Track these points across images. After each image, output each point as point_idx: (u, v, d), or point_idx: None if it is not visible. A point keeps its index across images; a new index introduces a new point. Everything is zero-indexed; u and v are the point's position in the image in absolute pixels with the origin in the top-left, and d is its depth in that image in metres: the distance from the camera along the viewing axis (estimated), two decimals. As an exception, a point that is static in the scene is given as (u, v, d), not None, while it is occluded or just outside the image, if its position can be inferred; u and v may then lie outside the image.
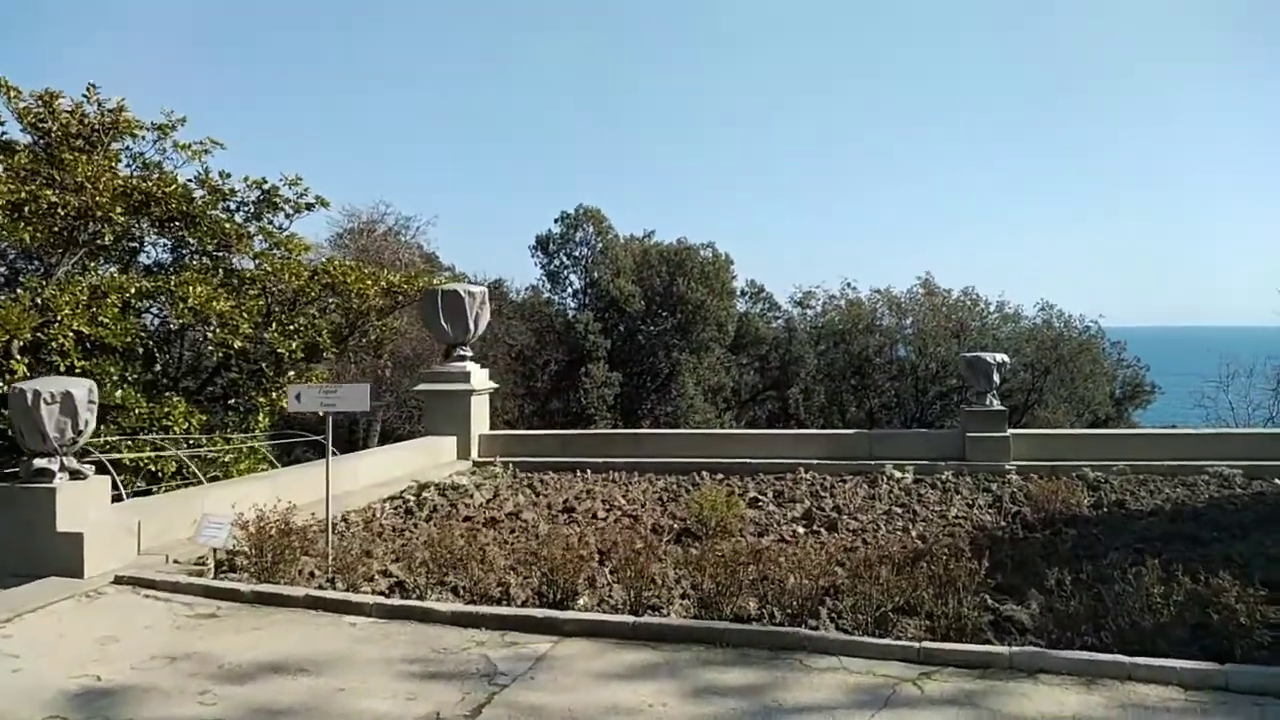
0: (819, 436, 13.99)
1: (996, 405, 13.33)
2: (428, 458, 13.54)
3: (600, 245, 30.25)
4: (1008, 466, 12.73)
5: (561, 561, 6.53)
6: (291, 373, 18.12)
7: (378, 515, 10.10)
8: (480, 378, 14.49)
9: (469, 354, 14.51)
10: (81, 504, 7.20)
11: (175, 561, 7.71)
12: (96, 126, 18.14)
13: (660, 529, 9.33)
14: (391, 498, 11.13)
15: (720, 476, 13.01)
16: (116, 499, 8.42)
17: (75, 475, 7.24)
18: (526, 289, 33.34)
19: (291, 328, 17.41)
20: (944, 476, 12.53)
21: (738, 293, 33.81)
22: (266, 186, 19.11)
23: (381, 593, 6.82)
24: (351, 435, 28.97)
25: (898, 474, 12.64)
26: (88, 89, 18.01)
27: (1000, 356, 13.47)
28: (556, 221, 30.41)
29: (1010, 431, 13.18)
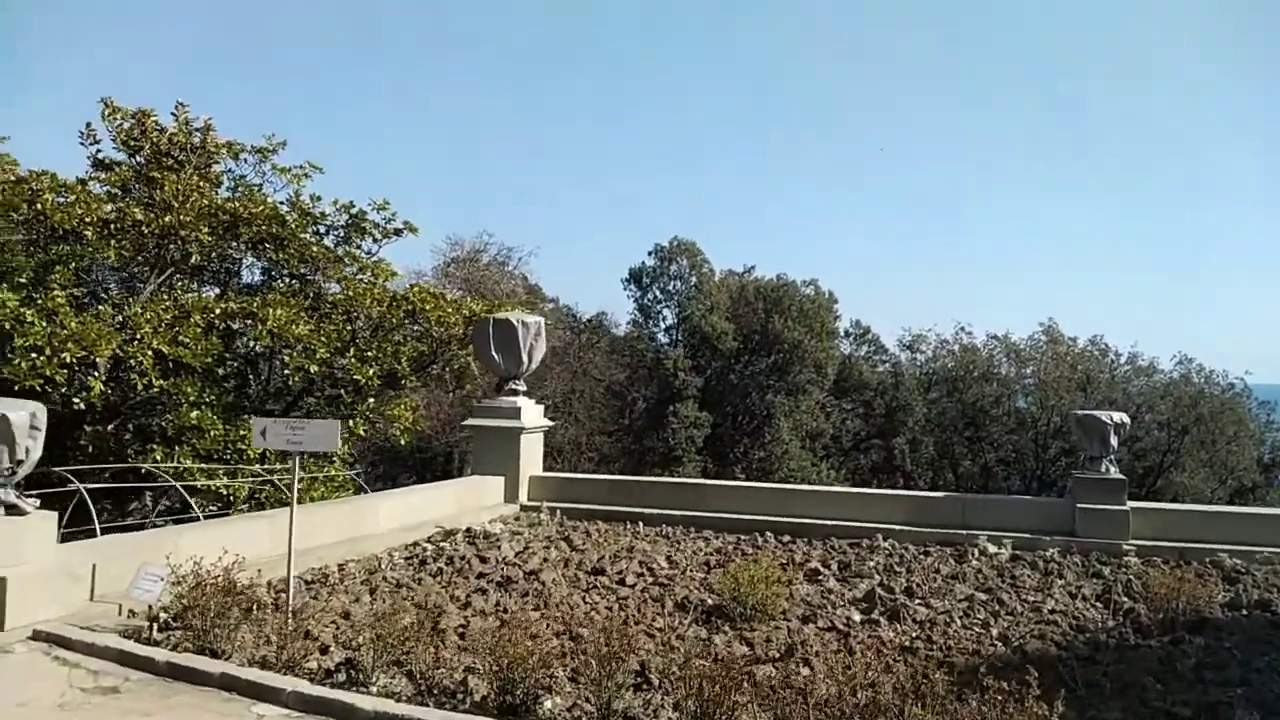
0: (905, 499, 12.34)
1: (1114, 473, 11.44)
2: (472, 499, 12.56)
3: (695, 280, 29.10)
4: (1125, 546, 10.83)
5: (522, 655, 5.31)
6: (371, 399, 17.69)
7: (383, 566, 9.10)
8: (533, 414, 13.46)
9: (522, 388, 13.52)
10: (14, 544, 6.42)
11: (130, 613, 6.85)
12: (185, 145, 18.24)
13: (688, 605, 7.99)
14: (409, 545, 10.14)
15: (786, 539, 11.60)
16: (84, 536, 7.70)
17: (11, 510, 6.47)
18: (628, 324, 32.47)
19: (370, 354, 16.93)
20: (1047, 554, 10.74)
21: (841, 333, 32.11)
22: (354, 211, 18.87)
23: (325, 671, 5.75)
24: (447, 466, 28.56)
25: (992, 548, 10.91)
26: (176, 107, 18.10)
27: (1120, 416, 11.58)
28: (650, 254, 29.52)
29: (1130, 505, 11.26)
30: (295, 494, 7.10)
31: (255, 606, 6.99)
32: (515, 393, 13.50)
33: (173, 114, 17.93)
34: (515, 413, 13.21)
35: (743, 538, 11.59)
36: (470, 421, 13.63)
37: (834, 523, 11.90)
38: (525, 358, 13.46)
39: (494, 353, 13.33)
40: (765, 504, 12.46)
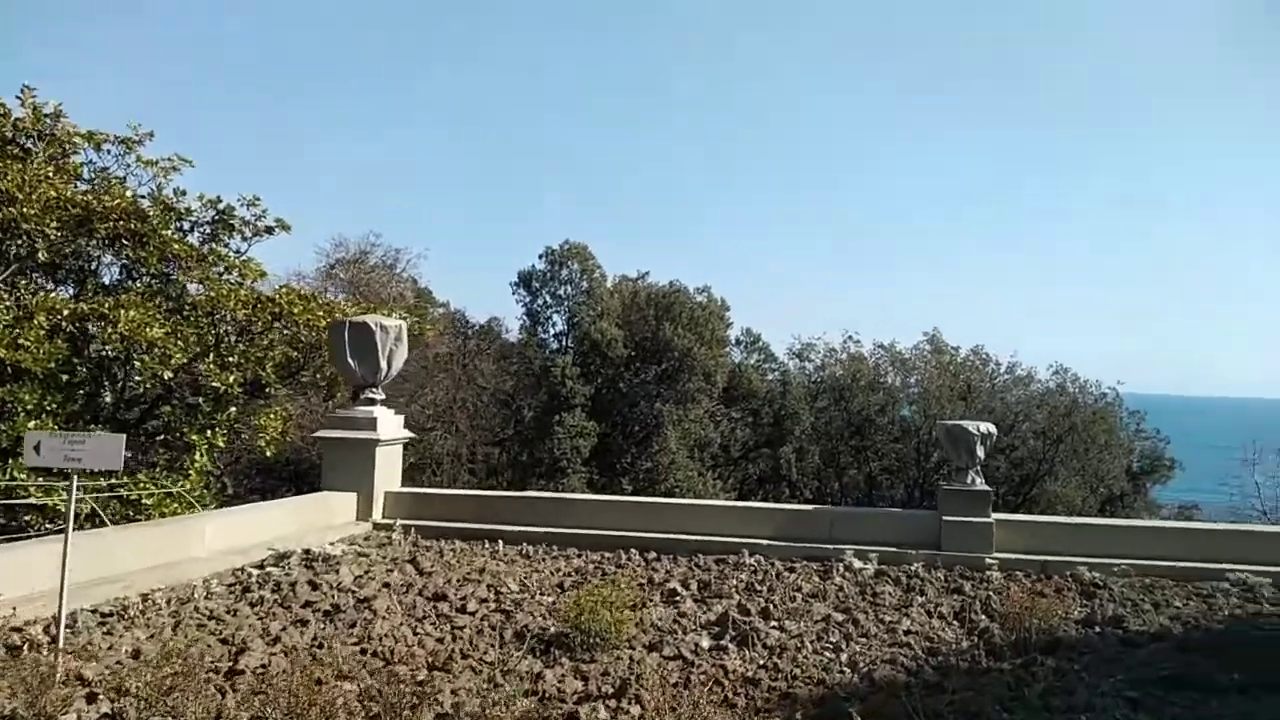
0: (774, 512, 12.03)
1: (979, 485, 11.36)
2: (318, 517, 11.71)
3: (586, 285, 28.58)
4: (988, 560, 10.73)
5: (313, 702, 4.66)
6: (234, 409, 16.55)
7: (197, 595, 8.24)
8: (390, 425, 12.67)
9: (379, 397, 12.72)
10: None
11: None
12: (31, 132, 16.77)
13: (526, 634, 7.42)
14: (236, 570, 9.28)
15: (653, 556, 11.15)
16: None
17: None
18: (518, 329, 31.70)
19: (232, 360, 15.83)
20: (912, 569, 10.56)
21: (732, 342, 32.06)
22: (222, 206, 17.64)
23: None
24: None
25: (858, 564, 10.67)
26: (22, 90, 16.64)
27: (986, 426, 11.51)
28: (541, 257, 28.86)
29: (995, 517, 11.19)
30: (72, 516, 6.27)
31: (28, 646, 6.17)
32: (372, 402, 12.69)
33: (18, 98, 16.47)
34: (371, 424, 12.41)
35: (607, 556, 11.10)
36: (321, 434, 12.75)
37: (703, 538, 11.52)
38: (384, 364, 12.66)
39: (349, 359, 12.50)
40: (633, 519, 11.99)
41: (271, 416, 16.74)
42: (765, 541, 11.42)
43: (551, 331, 28.81)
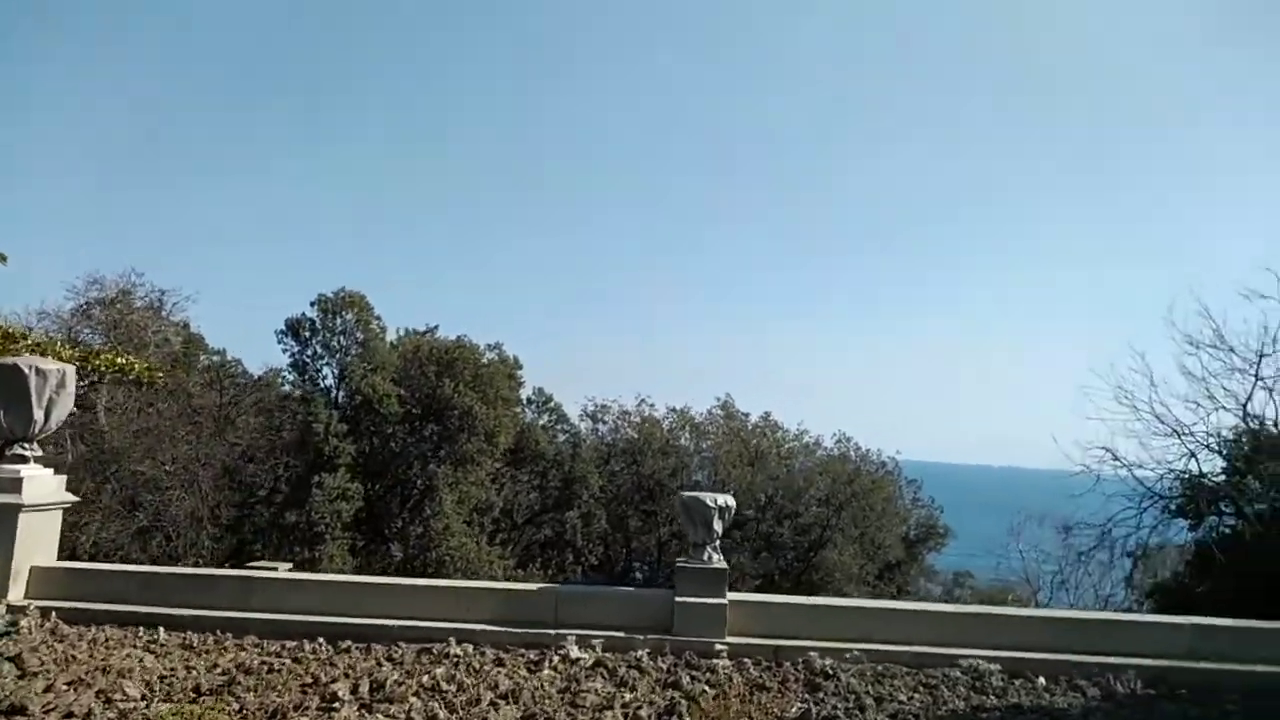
0: (495, 592, 10.74)
1: (716, 562, 10.52)
2: (-69, 600, 9.45)
3: (361, 336, 26.65)
4: (719, 646, 9.86)
5: None
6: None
7: None
8: (42, 487, 10.57)
9: (32, 453, 10.61)
10: None
11: None
12: None
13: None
14: None
15: (346, 645, 9.62)
16: None
17: None
18: (285, 381, 29.14)
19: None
20: (637, 657, 9.54)
21: (524, 402, 30.83)
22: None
23: None
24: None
25: (576, 652, 9.53)
26: None
27: (724, 499, 10.73)
28: (313, 305, 26.70)
29: (730, 597, 10.35)
30: None
31: None
32: (22, 459, 10.57)
33: None
34: (15, 485, 10.27)
35: (289, 646, 9.47)
36: (-50, 497, 10.46)
37: (410, 623, 10.08)
38: (39, 415, 10.59)
39: (-8, 407, 10.37)
40: (327, 600, 10.39)
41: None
42: (482, 627, 10.13)
43: (321, 385, 26.58)
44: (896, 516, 31.69)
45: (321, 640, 9.64)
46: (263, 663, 8.81)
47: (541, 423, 31.17)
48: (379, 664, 9.04)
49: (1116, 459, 14.91)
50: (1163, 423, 14.93)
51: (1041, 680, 9.46)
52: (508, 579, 25.07)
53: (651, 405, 32.90)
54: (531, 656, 9.52)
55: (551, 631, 10.02)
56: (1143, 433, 15.35)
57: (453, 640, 9.77)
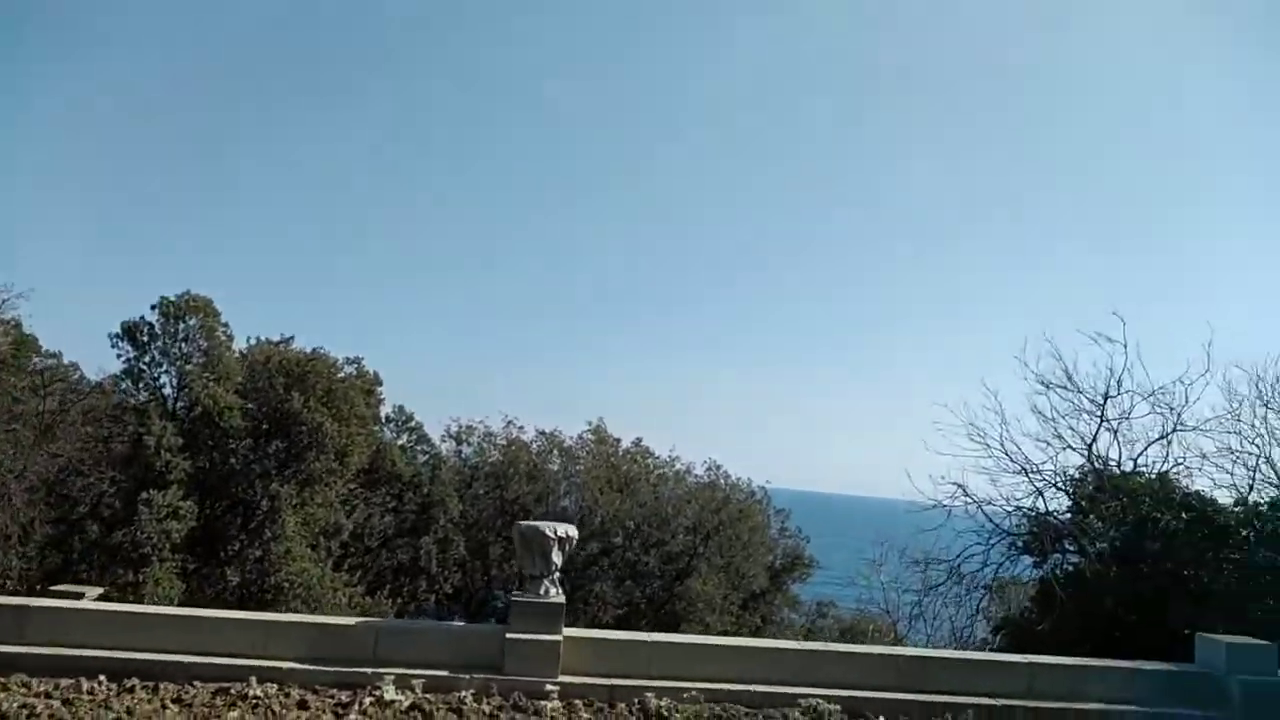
0: (308, 627, 9.71)
1: (554, 596, 9.78)
2: None
3: (205, 344, 24.83)
4: (549, 687, 9.12)
5: None
6: None
7: None
8: None
9: None
10: None
11: None
12: None
13: None
14: None
15: (131, 683, 8.50)
16: None
17: None
18: (119, 389, 26.88)
19: None
20: (460, 698, 8.72)
21: (382, 420, 29.42)
22: None
23: None
24: None
25: (392, 694, 8.64)
26: None
27: (565, 529, 10.03)
28: (153, 308, 24.75)
29: (566, 633, 9.64)
30: None
31: None
32: None
33: None
34: None
35: (63, 685, 8.29)
36: None
37: (207, 659, 9.00)
38: None
39: None
40: (116, 633, 9.17)
41: None
42: (291, 664, 9.12)
43: (159, 395, 24.60)
44: (763, 546, 31.55)
45: (103, 678, 8.47)
46: (23, 707, 7.61)
47: (400, 442, 29.82)
48: (164, 706, 7.98)
49: (967, 495, 14.97)
50: (1012, 460, 15.09)
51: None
52: (353, 607, 23.64)
53: (520, 428, 31.97)
54: (342, 698, 8.61)
55: (369, 670, 9.10)
56: (993, 469, 15.48)
57: (253, 680, 8.73)
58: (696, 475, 33.20)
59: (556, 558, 9.87)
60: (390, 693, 8.64)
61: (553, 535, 9.82)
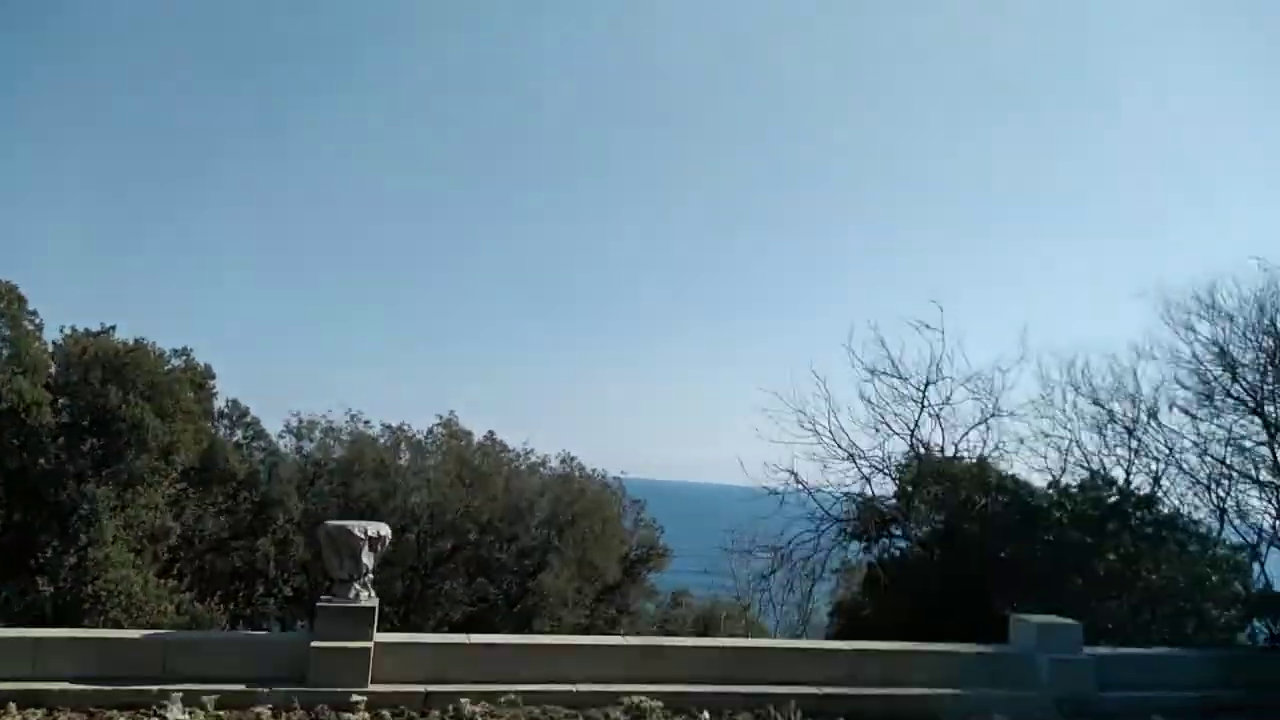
0: (85, 643, 8.90)
1: (365, 600, 9.29)
2: None
3: (8, 333, 22.78)
4: (357, 697, 8.64)
5: None
6: None
7: None
8: None
9: None
10: None
11: None
12: None
13: None
14: None
15: None
16: None
17: None
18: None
19: None
20: (257, 714, 8.11)
21: (214, 415, 27.76)
22: None
23: None
24: None
25: (177, 713, 8.01)
26: None
27: (378, 528, 9.55)
28: (-52, 296, 22.49)
29: (378, 639, 9.16)
30: None
31: None
32: None
33: None
34: None
35: None
36: None
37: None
38: None
39: None
40: None
41: None
42: (63, 685, 8.31)
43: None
44: (616, 538, 31.49)
45: None
46: None
47: (235, 439, 28.22)
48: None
49: (799, 481, 15.24)
50: (840, 446, 15.45)
51: (706, 715, 9.05)
52: (182, 615, 22.21)
53: (366, 422, 30.83)
54: (118, 722, 7.87)
55: (155, 688, 8.38)
56: (824, 456, 15.81)
57: (13, 706, 7.90)
58: (551, 468, 32.85)
59: (367, 559, 9.38)
60: (175, 712, 7.98)
61: (362, 535, 9.32)
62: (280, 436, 29.52)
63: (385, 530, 9.57)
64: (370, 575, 9.43)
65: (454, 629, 26.74)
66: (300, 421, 30.39)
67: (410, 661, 9.21)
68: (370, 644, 8.96)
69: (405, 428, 31.45)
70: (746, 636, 26.83)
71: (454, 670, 9.22)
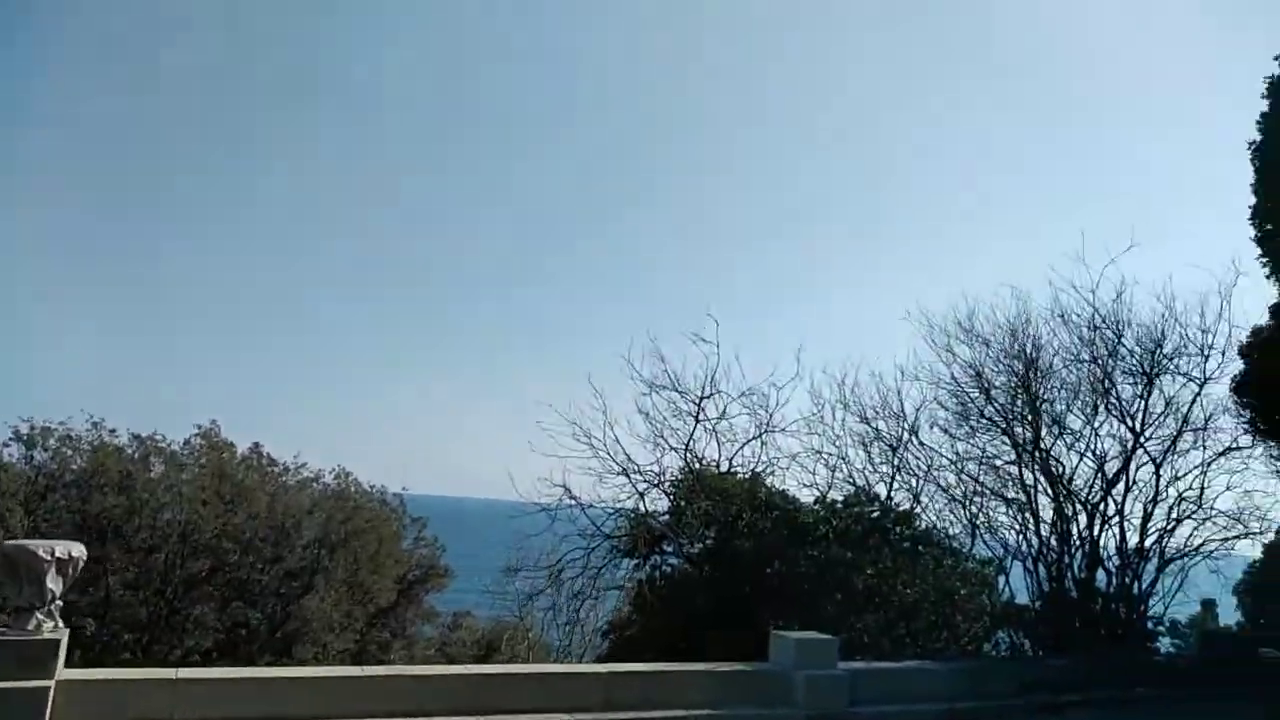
0: None
1: (49, 631, 7.93)
2: None
3: None
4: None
5: None
6: None
7: None
8: None
9: None
10: None
11: None
12: None
13: None
14: None
15: None
16: None
17: None
18: None
19: None
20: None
21: (-79, 419, 24.19)
22: None
23: None
24: None
25: None
26: None
27: (68, 548, 8.21)
28: None
29: (63, 676, 7.83)
30: None
31: None
32: None
33: None
34: None
35: None
36: None
37: None
38: None
39: None
40: None
41: None
42: None
43: None
44: (392, 558, 30.00)
45: None
46: None
47: (-53, 446, 24.68)
48: None
49: (572, 497, 14.84)
50: (615, 460, 15.21)
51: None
52: None
53: (112, 431, 27.78)
54: None
55: None
56: (599, 470, 15.51)
57: None
58: (325, 483, 30.91)
59: (54, 584, 8.01)
60: None
61: (48, 556, 7.96)
62: (6, 445, 26.09)
63: (78, 550, 8.22)
64: (59, 602, 8.08)
65: (203, 658, 24.53)
66: (33, 428, 27.03)
67: (104, 701, 7.93)
68: (51, 683, 7.64)
69: (158, 437, 28.60)
70: (528, 660, 26.15)
71: (157, 709, 8.02)
